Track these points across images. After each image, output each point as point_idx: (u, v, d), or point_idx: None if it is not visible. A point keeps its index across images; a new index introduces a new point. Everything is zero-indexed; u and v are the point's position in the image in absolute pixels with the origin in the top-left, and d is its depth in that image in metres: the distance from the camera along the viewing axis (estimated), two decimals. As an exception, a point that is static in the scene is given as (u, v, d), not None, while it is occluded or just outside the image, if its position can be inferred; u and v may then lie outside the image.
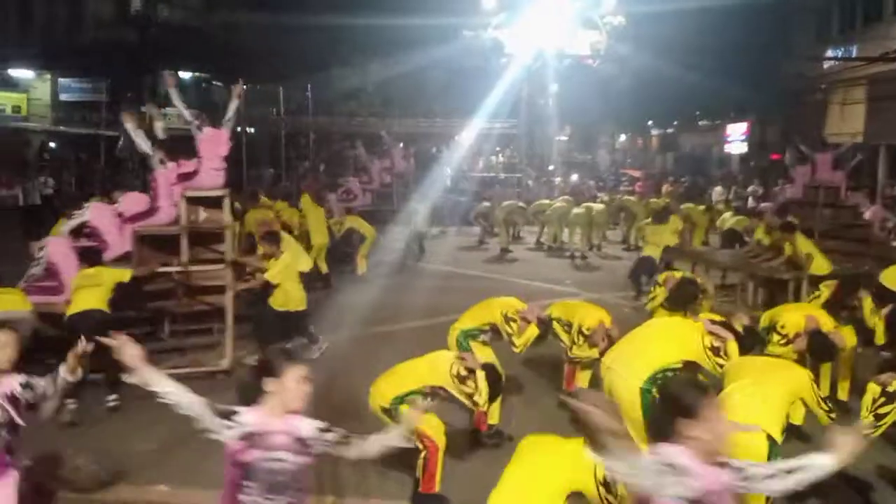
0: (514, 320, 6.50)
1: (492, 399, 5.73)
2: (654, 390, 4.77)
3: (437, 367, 5.40)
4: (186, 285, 8.31)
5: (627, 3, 26.47)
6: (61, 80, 32.55)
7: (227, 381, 7.50)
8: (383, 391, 5.23)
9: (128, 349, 3.08)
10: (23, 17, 31.86)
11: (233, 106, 8.57)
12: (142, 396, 7.12)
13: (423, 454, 5.04)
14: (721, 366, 4.94)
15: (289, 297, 8.28)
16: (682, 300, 6.68)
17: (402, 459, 5.49)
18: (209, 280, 8.32)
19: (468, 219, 19.97)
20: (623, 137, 46.98)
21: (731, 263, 12.31)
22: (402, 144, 21.75)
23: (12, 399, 3.84)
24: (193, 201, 8.25)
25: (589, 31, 26.86)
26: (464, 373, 5.33)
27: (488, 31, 26.65)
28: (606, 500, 3.83)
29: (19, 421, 3.85)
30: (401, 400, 5.10)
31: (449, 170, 25.98)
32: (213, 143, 8.27)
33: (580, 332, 6.82)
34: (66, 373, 3.92)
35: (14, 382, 3.88)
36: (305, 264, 9.42)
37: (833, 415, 4.71)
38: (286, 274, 8.27)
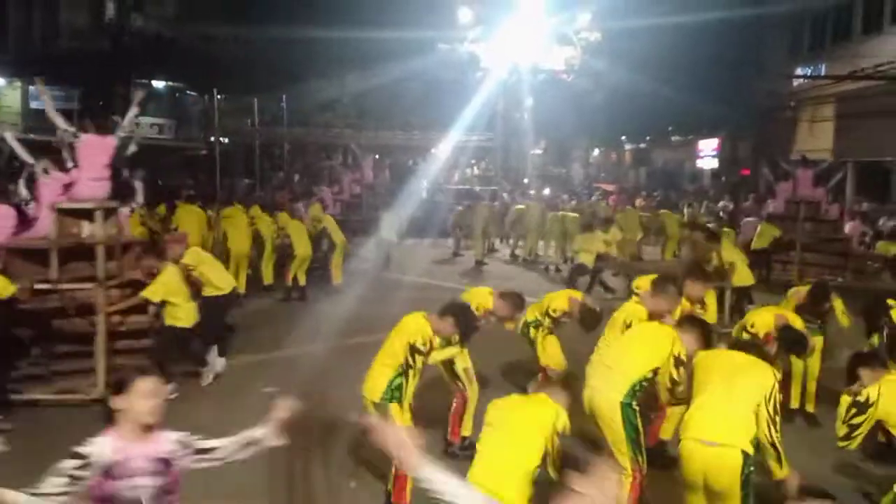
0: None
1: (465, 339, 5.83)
2: (633, 403, 4.81)
3: (402, 333, 5.34)
4: (74, 304, 7.75)
5: (602, 18, 26.77)
6: (32, 88, 32.14)
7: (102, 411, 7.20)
8: (372, 386, 5.22)
9: (398, 441, 2.52)
10: (-5, 25, 31.48)
11: (130, 114, 8.21)
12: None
13: (394, 466, 4.98)
14: (674, 381, 4.94)
15: (175, 314, 7.80)
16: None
17: (379, 470, 5.47)
18: (87, 299, 7.69)
19: (443, 230, 20.02)
20: (597, 152, 47.38)
21: (657, 272, 12.68)
22: (377, 156, 21.83)
23: (164, 463, 3.12)
24: (69, 213, 7.77)
25: (564, 47, 27.10)
26: (421, 347, 5.23)
27: (464, 44, 26.79)
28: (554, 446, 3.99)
29: (171, 488, 3.15)
30: (389, 396, 5.11)
31: (425, 181, 26.08)
32: (93, 152, 7.79)
33: (547, 313, 7.03)
34: (271, 437, 3.30)
35: (167, 441, 3.17)
36: (226, 284, 8.57)
37: (777, 464, 4.40)
38: (169, 291, 7.72)
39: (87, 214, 7.77)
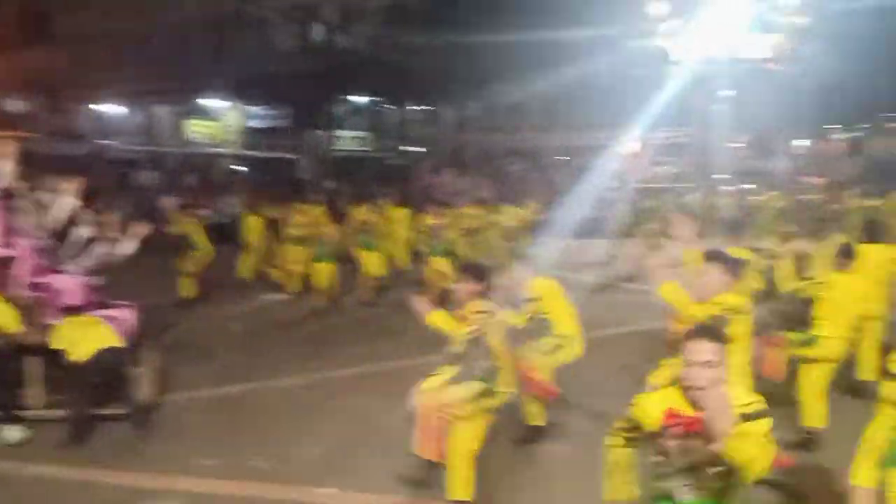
0: None
1: None
2: None
3: None
4: None
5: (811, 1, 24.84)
6: (249, 109, 35.15)
7: None
8: None
9: None
10: (216, 52, 34.78)
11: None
12: (309, 404, 7.64)
13: None
14: None
15: None
16: None
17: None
18: None
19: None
20: (804, 143, 44.00)
21: None
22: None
23: None
24: None
25: (768, 34, 25.45)
26: None
27: (656, 38, 25.89)
28: None
29: None
30: None
31: (612, 181, 25.55)
32: None
33: None
34: None
35: None
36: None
37: None
38: None
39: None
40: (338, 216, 14.20)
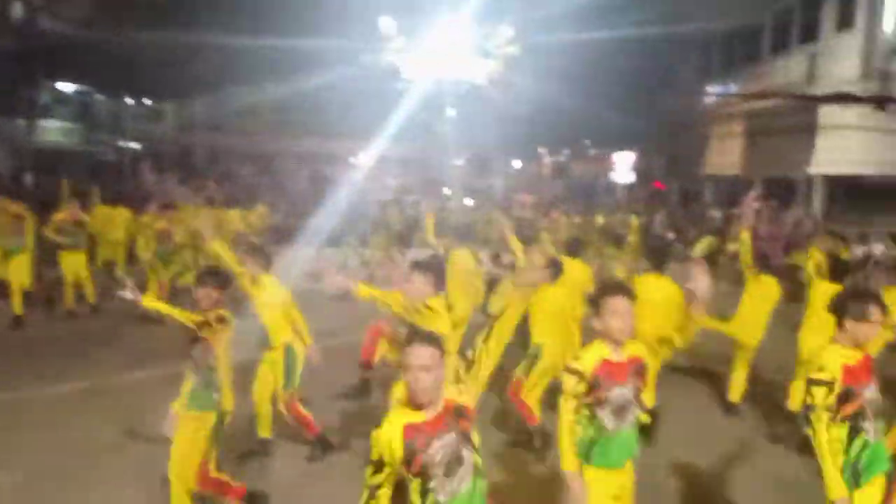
0: None
1: None
2: None
3: None
4: None
5: (522, 33, 27.07)
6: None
7: None
8: None
9: None
10: None
11: None
12: (4, 428, 6.65)
13: None
14: None
15: None
16: None
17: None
18: None
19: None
20: (518, 164, 47.97)
21: None
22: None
23: None
24: None
25: (485, 60, 27.28)
26: None
27: (386, 55, 26.62)
28: None
29: None
30: None
31: (349, 191, 25.79)
32: None
33: None
34: None
35: None
36: None
37: None
38: None
39: None
40: (37, 215, 12.60)
